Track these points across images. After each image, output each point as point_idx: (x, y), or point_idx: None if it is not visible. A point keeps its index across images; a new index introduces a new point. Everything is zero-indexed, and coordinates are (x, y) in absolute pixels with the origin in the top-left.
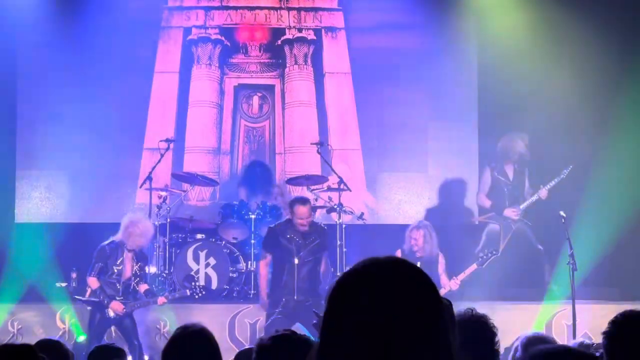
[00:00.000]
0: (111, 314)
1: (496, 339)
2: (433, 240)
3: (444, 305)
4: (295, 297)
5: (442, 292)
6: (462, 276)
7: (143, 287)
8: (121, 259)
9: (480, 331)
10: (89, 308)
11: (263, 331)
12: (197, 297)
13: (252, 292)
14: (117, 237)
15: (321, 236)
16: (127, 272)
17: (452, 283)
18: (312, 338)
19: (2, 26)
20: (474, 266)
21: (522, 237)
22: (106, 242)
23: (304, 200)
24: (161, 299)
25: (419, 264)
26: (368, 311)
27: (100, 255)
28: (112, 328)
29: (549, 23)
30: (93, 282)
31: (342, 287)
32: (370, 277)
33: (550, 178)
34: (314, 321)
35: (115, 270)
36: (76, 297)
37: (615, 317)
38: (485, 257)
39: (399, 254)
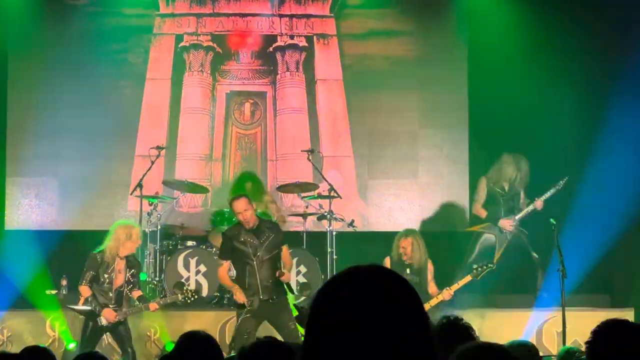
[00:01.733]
0: (104, 322)
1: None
2: (421, 248)
3: (426, 314)
4: (261, 297)
5: (434, 302)
6: (455, 287)
7: (136, 294)
8: (112, 266)
9: (458, 335)
10: (81, 317)
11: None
12: (189, 301)
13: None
14: (108, 244)
15: (274, 231)
16: (120, 280)
17: (446, 294)
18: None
19: None
20: (468, 277)
21: (518, 245)
22: (96, 250)
23: (238, 196)
24: (153, 305)
25: (408, 271)
26: (350, 319)
27: (91, 263)
28: (105, 335)
29: (541, 31)
30: (85, 291)
31: (325, 294)
32: (351, 285)
33: (545, 189)
34: (301, 317)
35: (107, 279)
36: (69, 306)
37: (597, 327)
38: (480, 269)
39: (387, 261)
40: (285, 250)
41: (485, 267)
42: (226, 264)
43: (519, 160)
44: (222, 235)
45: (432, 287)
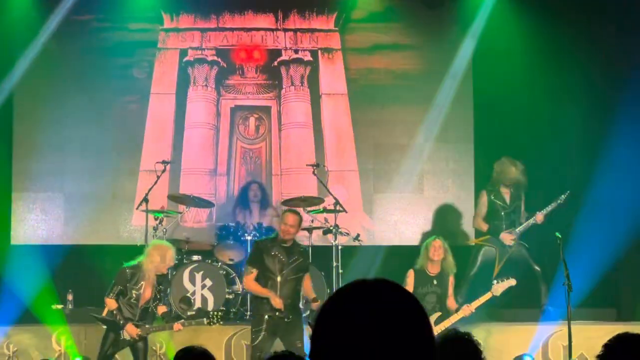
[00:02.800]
0: (126, 336)
1: (482, 356)
2: (449, 258)
3: (432, 329)
4: (277, 314)
5: (455, 318)
6: (476, 304)
7: (161, 309)
8: (142, 283)
9: (465, 349)
10: (104, 327)
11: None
12: (213, 325)
13: (249, 313)
14: (141, 262)
15: (303, 256)
16: (147, 296)
17: (467, 310)
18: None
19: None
20: (488, 294)
21: (519, 258)
22: (127, 265)
23: (295, 211)
24: (177, 326)
25: (435, 282)
26: (356, 333)
27: (121, 278)
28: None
29: (546, 44)
30: (111, 303)
31: (330, 308)
32: (357, 299)
33: (547, 202)
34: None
35: (134, 295)
36: (92, 314)
37: (609, 341)
38: (501, 286)
39: (411, 274)
40: (307, 279)
41: (505, 282)
42: (254, 273)
43: (515, 163)
44: (254, 244)
45: (451, 301)
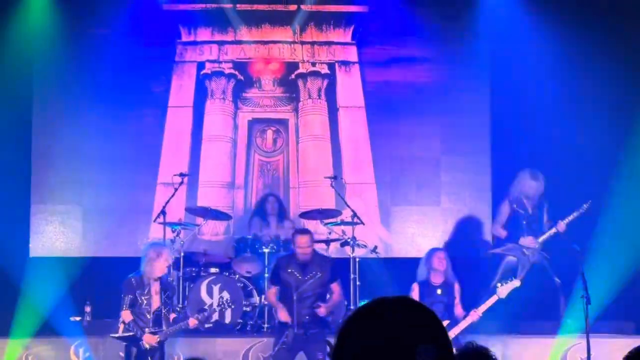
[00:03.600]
0: (146, 346)
1: None
2: (450, 267)
3: (451, 347)
4: (295, 330)
5: (464, 324)
6: (483, 308)
7: (172, 316)
8: (148, 288)
9: None
10: (124, 344)
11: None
12: (225, 311)
13: (266, 325)
14: (142, 266)
15: (323, 269)
16: (156, 302)
17: (474, 315)
18: None
19: (18, 61)
20: (494, 297)
21: (539, 270)
22: (131, 275)
23: (303, 231)
24: (192, 321)
25: (439, 292)
26: (376, 351)
27: (127, 287)
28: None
29: (564, 56)
30: (127, 315)
31: (351, 325)
32: (378, 317)
33: (568, 212)
34: (327, 351)
35: (144, 301)
36: (111, 335)
37: (629, 353)
38: (505, 287)
39: (415, 287)
40: (335, 287)
41: (509, 284)
42: (274, 289)
43: (536, 176)
44: (275, 261)
45: (458, 309)
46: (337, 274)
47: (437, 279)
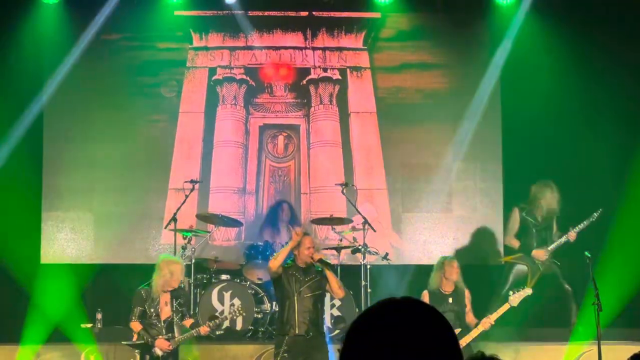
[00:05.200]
0: (159, 352)
1: None
2: (460, 274)
3: (460, 349)
4: (297, 332)
5: (475, 333)
6: (495, 316)
7: (188, 322)
8: (158, 300)
9: None
10: (136, 352)
11: None
12: (236, 318)
13: (277, 328)
14: (153, 279)
15: (321, 275)
16: (167, 312)
17: (486, 323)
18: None
19: (29, 68)
20: (506, 305)
21: (550, 277)
22: (141, 286)
23: (307, 232)
24: (204, 329)
25: (450, 300)
26: (384, 352)
27: (137, 300)
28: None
29: (575, 64)
30: (136, 326)
31: (359, 326)
32: (386, 318)
33: (579, 220)
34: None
35: (154, 312)
36: (124, 343)
37: (632, 356)
38: (518, 295)
39: (425, 295)
40: (328, 272)
41: (521, 292)
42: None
43: (550, 186)
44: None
45: (469, 317)
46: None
47: (448, 287)
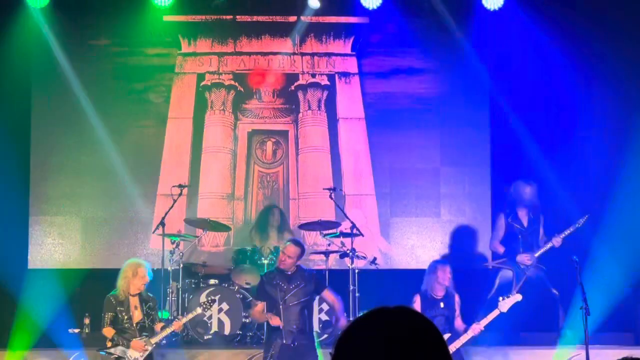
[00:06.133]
0: (134, 354)
1: None
2: (452, 279)
3: (450, 356)
4: (284, 341)
5: (465, 338)
6: (485, 322)
7: (159, 325)
8: (127, 304)
9: None
10: (113, 358)
11: None
12: (209, 311)
13: (265, 337)
14: (119, 283)
15: (307, 281)
16: (138, 315)
17: (476, 329)
18: None
19: (16, 73)
20: (496, 311)
21: (536, 281)
22: (110, 293)
23: (297, 242)
24: (177, 324)
25: (442, 305)
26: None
27: (107, 306)
28: None
29: (563, 67)
30: (109, 332)
31: (350, 334)
32: (377, 327)
33: (566, 226)
34: None
35: (125, 317)
36: (99, 351)
37: None
38: (507, 301)
39: (417, 299)
40: (326, 293)
41: (511, 298)
42: (260, 305)
43: (530, 184)
44: (260, 277)
45: (458, 322)
46: (323, 284)
47: (439, 292)
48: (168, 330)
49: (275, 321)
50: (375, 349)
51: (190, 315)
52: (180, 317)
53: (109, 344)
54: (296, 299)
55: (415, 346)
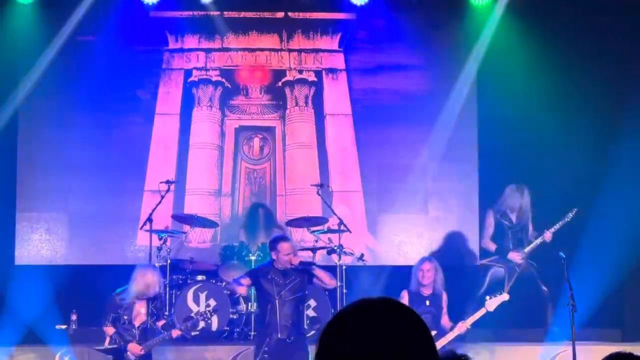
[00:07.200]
0: (131, 357)
1: None
2: (439, 277)
3: (435, 349)
4: (279, 336)
5: (451, 336)
6: (471, 320)
7: (161, 323)
8: (132, 307)
9: None
10: (109, 357)
11: None
12: (208, 321)
13: (253, 333)
14: (129, 288)
15: (301, 275)
16: (142, 317)
17: (462, 327)
18: None
19: (2, 68)
20: (482, 310)
21: (527, 278)
22: (117, 292)
23: (285, 238)
24: (175, 332)
25: (427, 303)
26: (359, 353)
27: (112, 305)
28: None
29: (551, 66)
30: (109, 330)
31: (333, 327)
32: (361, 318)
33: (554, 221)
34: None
35: (127, 319)
36: (95, 347)
37: (607, 356)
38: (494, 300)
39: (405, 295)
40: (315, 269)
41: (498, 297)
42: (247, 280)
43: (522, 190)
44: (254, 268)
45: (445, 320)
46: (310, 264)
47: (426, 290)
48: (165, 337)
49: (242, 290)
50: (358, 340)
51: (189, 324)
52: (179, 325)
53: (107, 341)
54: (292, 293)
55: (398, 336)
